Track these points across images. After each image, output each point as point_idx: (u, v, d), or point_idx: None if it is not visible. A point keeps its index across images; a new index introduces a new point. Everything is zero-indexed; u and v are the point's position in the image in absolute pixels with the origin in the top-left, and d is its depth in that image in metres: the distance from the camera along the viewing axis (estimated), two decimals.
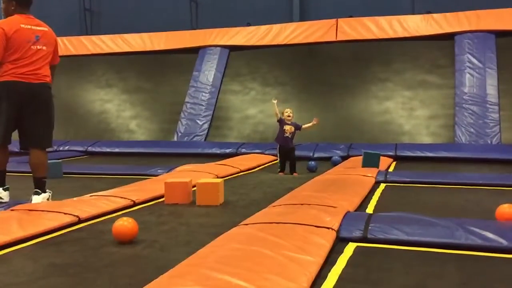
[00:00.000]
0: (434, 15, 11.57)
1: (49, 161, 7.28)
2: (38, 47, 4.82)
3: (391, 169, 7.84)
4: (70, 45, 14.15)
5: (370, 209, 4.67)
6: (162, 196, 5.14)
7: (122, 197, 4.88)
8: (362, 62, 11.69)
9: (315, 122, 7.42)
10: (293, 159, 7.39)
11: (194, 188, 5.14)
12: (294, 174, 7.29)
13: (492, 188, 5.79)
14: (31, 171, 4.94)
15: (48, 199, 4.88)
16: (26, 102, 4.74)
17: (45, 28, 4.97)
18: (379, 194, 5.44)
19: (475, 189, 5.74)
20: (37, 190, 4.85)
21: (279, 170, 7.41)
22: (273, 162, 8.98)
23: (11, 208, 4.32)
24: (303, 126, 7.50)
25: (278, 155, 7.53)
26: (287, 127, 7.31)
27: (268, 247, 2.97)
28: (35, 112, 4.81)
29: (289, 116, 7.35)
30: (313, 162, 7.78)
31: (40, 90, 4.82)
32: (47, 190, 4.93)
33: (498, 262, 3.01)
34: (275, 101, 7.34)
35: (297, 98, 11.55)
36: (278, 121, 7.43)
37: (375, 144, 9.68)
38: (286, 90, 11.90)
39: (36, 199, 4.79)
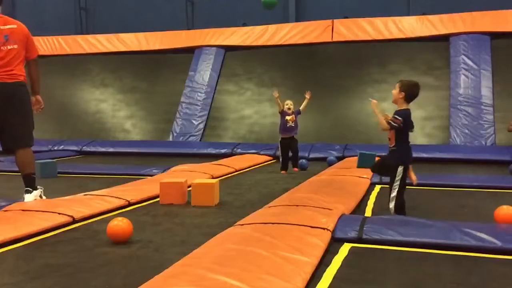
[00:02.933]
0: (430, 16, 11.60)
1: (43, 161, 7.31)
2: (9, 47, 4.74)
3: None
4: (65, 44, 14.11)
5: (365, 211, 4.68)
6: (157, 196, 5.12)
7: (116, 197, 4.87)
8: (357, 63, 11.71)
9: (307, 97, 7.67)
10: (295, 151, 7.55)
11: (189, 188, 5.13)
12: (295, 169, 7.43)
13: (487, 190, 5.81)
14: (19, 169, 4.93)
15: (40, 196, 4.87)
16: (2, 103, 4.69)
17: (13, 25, 4.84)
18: (374, 196, 5.44)
19: (470, 191, 5.75)
20: (28, 188, 4.82)
21: (281, 167, 7.51)
22: (268, 162, 8.99)
23: (4, 209, 4.30)
24: (301, 108, 7.70)
25: (279, 150, 7.64)
26: (288, 117, 7.53)
27: (263, 248, 2.97)
28: (13, 112, 4.75)
29: (289, 109, 7.56)
30: (304, 161, 7.96)
31: (16, 90, 4.77)
32: (38, 187, 4.91)
33: (492, 263, 3.03)
34: (276, 95, 7.52)
35: (293, 98, 11.38)
36: (279, 112, 7.63)
37: (370, 144, 9.69)
38: (282, 91, 11.75)
39: (28, 197, 4.77)
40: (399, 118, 4.39)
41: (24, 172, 4.87)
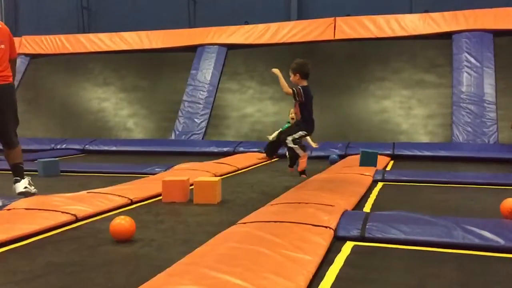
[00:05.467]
0: (432, 14, 11.57)
1: (46, 159, 7.33)
2: None
3: (388, 168, 7.85)
4: (67, 43, 14.12)
5: (367, 208, 4.67)
6: (159, 195, 5.12)
7: (119, 195, 4.87)
8: (360, 61, 11.69)
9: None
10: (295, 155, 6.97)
11: (192, 187, 5.13)
12: (303, 176, 6.78)
13: (489, 187, 5.80)
14: (8, 161, 5.19)
15: (29, 183, 5.12)
16: None
17: None
18: (376, 193, 5.44)
19: (472, 188, 5.74)
20: (17, 178, 5.06)
21: (288, 164, 6.92)
22: (271, 161, 8.98)
23: (7, 207, 4.31)
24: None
25: (287, 155, 7.24)
26: None
27: (266, 246, 2.96)
28: (7, 115, 5.01)
29: (292, 118, 7.06)
30: (335, 156, 8.28)
31: (8, 91, 4.95)
32: (25, 177, 5.13)
33: (496, 262, 3.02)
34: (271, 137, 7.18)
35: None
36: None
37: (372, 143, 9.68)
38: None
39: (19, 187, 5.02)
40: (301, 90, 5.22)
41: (14, 162, 5.11)
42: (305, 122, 5.26)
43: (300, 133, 5.22)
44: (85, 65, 13.75)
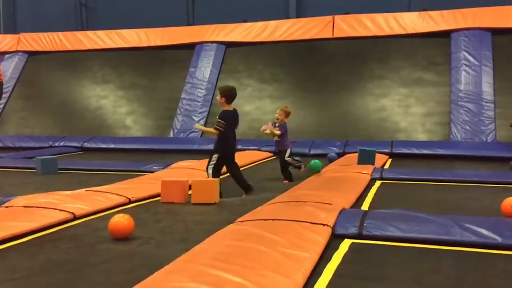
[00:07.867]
0: (431, 12, 11.58)
1: (44, 157, 7.34)
2: None
3: (386, 166, 7.85)
4: (66, 40, 14.09)
5: (365, 206, 4.68)
6: (158, 195, 5.08)
7: (117, 194, 4.86)
8: (358, 59, 11.69)
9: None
10: (281, 163, 6.51)
11: (190, 192, 5.07)
12: (286, 181, 6.40)
13: (487, 185, 5.82)
14: None
15: None
16: None
17: None
18: (374, 191, 5.45)
19: (470, 187, 5.76)
20: None
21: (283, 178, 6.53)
22: (269, 159, 8.99)
23: (5, 204, 4.31)
24: (275, 132, 6.49)
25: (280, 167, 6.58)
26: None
27: (264, 244, 2.97)
28: None
29: (277, 118, 6.53)
30: (334, 154, 8.50)
31: (1, 88, 5.01)
32: None
33: (492, 258, 3.03)
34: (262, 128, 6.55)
35: (293, 95, 11.56)
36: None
37: (371, 141, 9.68)
38: (282, 87, 11.90)
39: None
40: (223, 122, 5.41)
41: None
42: (219, 143, 5.46)
43: (214, 156, 5.40)
44: (83, 62, 13.73)
